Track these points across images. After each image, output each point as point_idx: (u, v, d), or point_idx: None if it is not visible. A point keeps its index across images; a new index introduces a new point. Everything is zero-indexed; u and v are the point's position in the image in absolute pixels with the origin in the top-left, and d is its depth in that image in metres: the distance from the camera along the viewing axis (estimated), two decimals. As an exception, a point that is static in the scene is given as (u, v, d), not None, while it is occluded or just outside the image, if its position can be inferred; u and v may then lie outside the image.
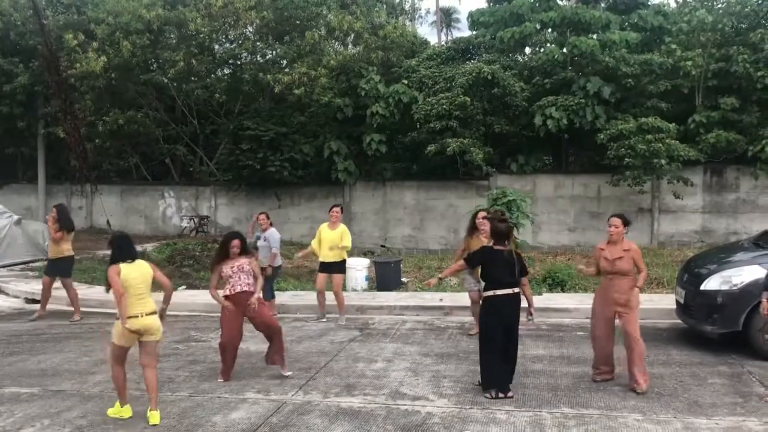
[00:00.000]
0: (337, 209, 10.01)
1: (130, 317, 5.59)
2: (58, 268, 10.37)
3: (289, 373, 6.91)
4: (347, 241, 9.78)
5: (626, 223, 6.77)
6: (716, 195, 17.68)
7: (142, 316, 5.65)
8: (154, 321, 5.76)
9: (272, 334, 6.95)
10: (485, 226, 8.04)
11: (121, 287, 5.59)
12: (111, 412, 5.86)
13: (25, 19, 20.88)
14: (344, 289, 11.90)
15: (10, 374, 7.19)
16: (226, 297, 6.88)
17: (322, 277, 9.80)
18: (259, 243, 9.97)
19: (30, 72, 20.84)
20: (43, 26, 17.89)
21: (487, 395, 6.19)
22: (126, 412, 5.83)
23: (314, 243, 9.92)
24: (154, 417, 5.67)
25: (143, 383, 5.90)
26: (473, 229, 8.73)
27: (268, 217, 10.10)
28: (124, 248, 5.84)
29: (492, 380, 6.24)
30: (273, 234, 9.90)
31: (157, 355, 5.97)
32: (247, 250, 7.11)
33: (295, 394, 6.38)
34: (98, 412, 5.93)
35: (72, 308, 10.38)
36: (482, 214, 8.65)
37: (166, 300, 5.99)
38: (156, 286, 5.96)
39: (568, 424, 5.52)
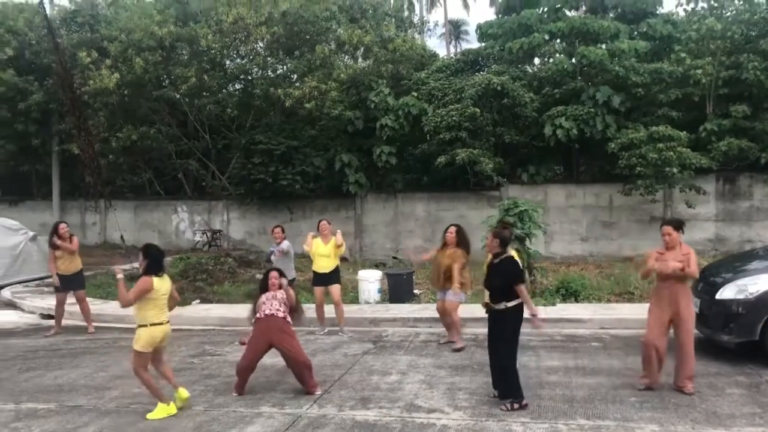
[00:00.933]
0: (325, 222, 10.11)
1: (155, 324, 6.17)
2: (78, 282, 10.52)
3: (318, 391, 6.86)
4: (341, 243, 9.88)
5: (678, 227, 6.79)
6: (729, 203, 17.57)
7: (164, 323, 6.28)
8: (170, 328, 6.44)
9: (300, 371, 6.77)
10: (451, 235, 8.83)
11: (136, 297, 6.09)
12: (153, 415, 6.17)
13: (40, 38, 21.18)
14: (356, 301, 11.98)
15: (27, 390, 7.24)
16: (256, 320, 6.89)
17: (319, 291, 9.93)
18: (273, 257, 10.07)
19: (45, 90, 21.13)
20: (57, 45, 18.10)
21: (518, 402, 6.18)
22: (172, 408, 6.27)
23: (307, 248, 10.02)
24: (184, 392, 6.39)
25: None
26: (444, 243, 8.96)
27: (283, 231, 10.22)
28: (159, 261, 6.36)
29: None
30: (286, 245, 10.11)
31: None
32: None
33: (310, 408, 6.39)
34: (114, 428, 5.97)
35: (85, 323, 10.51)
36: (452, 228, 8.95)
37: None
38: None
39: (584, 436, 5.50)
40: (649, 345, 6.71)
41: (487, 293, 7.83)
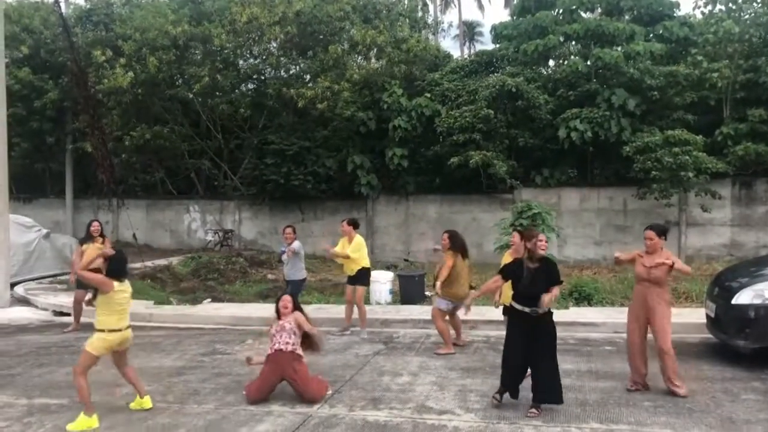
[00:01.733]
0: (344, 222, 10.04)
1: (113, 330, 6.06)
2: None
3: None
4: (351, 250, 9.76)
5: (660, 233, 6.72)
6: (745, 208, 17.39)
7: (122, 330, 6.15)
8: (130, 334, 6.34)
9: (307, 401, 6.52)
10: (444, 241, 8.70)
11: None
12: (74, 426, 5.85)
13: (55, 36, 21.33)
14: (368, 302, 11.94)
15: (39, 385, 7.26)
16: (267, 356, 6.69)
17: (349, 289, 9.95)
18: (284, 257, 10.04)
19: (59, 88, 21.29)
20: (72, 43, 18.21)
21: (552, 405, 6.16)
22: (94, 422, 5.92)
23: (339, 247, 10.02)
24: (148, 401, 6.35)
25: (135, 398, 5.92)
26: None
27: (294, 231, 10.15)
28: (121, 267, 6.26)
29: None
30: (297, 246, 10.01)
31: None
32: (297, 307, 6.99)
33: (320, 408, 6.35)
34: (125, 424, 5.97)
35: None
36: (445, 235, 8.80)
37: None
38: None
39: (598, 440, 5.43)
40: (629, 344, 6.93)
41: (498, 295, 7.82)
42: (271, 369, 6.58)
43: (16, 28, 21.01)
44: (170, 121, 21.42)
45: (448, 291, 8.48)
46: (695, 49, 18.08)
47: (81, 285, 10.51)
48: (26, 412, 6.36)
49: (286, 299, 6.98)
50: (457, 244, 8.71)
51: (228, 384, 7.21)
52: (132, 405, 6.38)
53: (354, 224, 9.99)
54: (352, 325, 9.99)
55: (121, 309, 6.11)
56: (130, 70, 19.27)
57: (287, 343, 6.64)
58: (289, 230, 10.16)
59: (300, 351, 6.72)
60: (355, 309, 9.86)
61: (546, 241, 7.54)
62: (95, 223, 10.59)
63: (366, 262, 9.94)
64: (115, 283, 6.06)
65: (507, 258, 7.74)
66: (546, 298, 6.11)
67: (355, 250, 9.77)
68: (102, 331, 6.03)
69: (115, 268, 6.17)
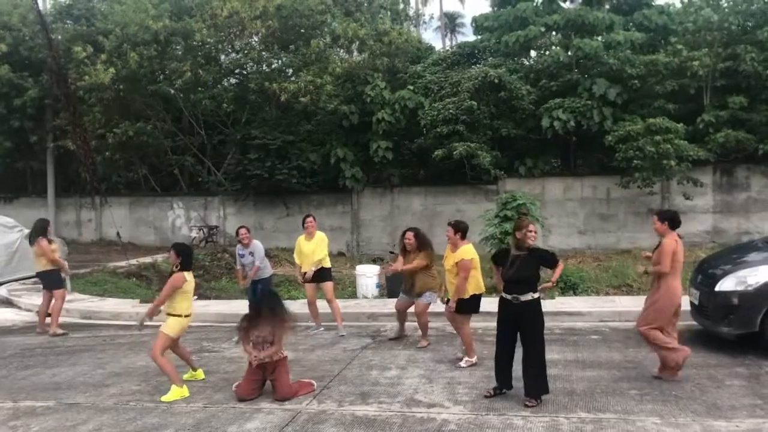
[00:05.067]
0: (311, 218, 9.70)
1: (187, 315, 6.79)
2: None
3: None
4: (321, 252, 9.49)
5: (663, 218, 6.90)
6: (727, 194, 17.58)
7: (191, 315, 6.93)
8: None
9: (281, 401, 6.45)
10: (409, 240, 8.53)
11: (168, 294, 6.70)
12: (167, 397, 6.54)
13: (34, 33, 21.07)
14: (355, 296, 11.95)
15: (24, 388, 7.20)
16: (249, 364, 6.58)
17: (310, 288, 9.55)
18: (244, 260, 9.78)
19: (39, 86, 21.03)
20: (51, 40, 18.00)
21: (539, 400, 6.14)
22: (185, 391, 6.64)
23: (296, 257, 9.75)
24: (200, 373, 7.27)
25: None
26: (403, 249, 8.72)
27: (248, 231, 9.95)
28: (190, 260, 6.94)
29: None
30: (257, 247, 9.73)
31: None
32: (275, 314, 6.64)
33: (309, 404, 6.35)
34: (113, 425, 5.93)
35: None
36: (409, 234, 8.64)
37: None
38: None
39: (585, 429, 5.47)
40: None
41: (442, 289, 7.94)
42: (254, 373, 6.56)
43: (-6, 26, 20.74)
44: (152, 117, 21.25)
45: (429, 284, 8.47)
46: (675, 38, 18.23)
47: (48, 286, 10.34)
48: (12, 415, 6.30)
49: (262, 312, 6.71)
50: (424, 242, 8.55)
51: (216, 382, 7.19)
52: (185, 376, 7.08)
53: (314, 220, 9.76)
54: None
55: (190, 296, 6.87)
56: (111, 66, 19.09)
57: (269, 356, 6.48)
58: (243, 230, 9.84)
59: (280, 355, 6.60)
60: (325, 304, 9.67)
61: (448, 231, 7.70)
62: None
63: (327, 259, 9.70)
64: (186, 274, 6.73)
65: (447, 252, 7.81)
66: (554, 278, 6.61)
67: (322, 246, 9.52)
68: (179, 315, 6.70)
69: (186, 261, 6.79)
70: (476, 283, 7.62)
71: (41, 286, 10.64)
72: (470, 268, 7.48)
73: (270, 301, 6.94)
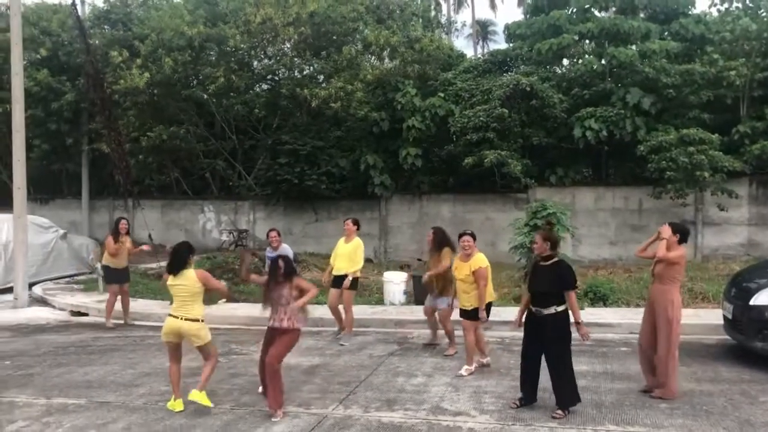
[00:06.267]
0: (349, 221, 9.75)
1: (170, 315, 6.46)
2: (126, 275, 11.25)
3: (276, 419, 6.10)
4: (359, 262, 9.50)
5: (676, 230, 6.72)
6: (763, 207, 17.21)
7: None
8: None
9: (267, 373, 6.30)
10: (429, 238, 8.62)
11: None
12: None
13: (73, 38, 21.53)
14: (382, 303, 11.96)
15: (57, 385, 7.34)
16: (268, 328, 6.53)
17: (334, 294, 9.51)
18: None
19: (76, 90, 21.48)
20: (88, 45, 18.41)
21: (568, 411, 6.07)
22: (178, 404, 6.40)
23: (332, 258, 9.77)
24: (180, 404, 6.44)
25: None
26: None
27: (279, 234, 10.01)
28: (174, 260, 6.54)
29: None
30: (286, 251, 9.69)
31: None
32: (290, 272, 6.50)
33: (335, 409, 6.38)
34: (142, 424, 6.02)
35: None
36: (429, 231, 8.75)
37: None
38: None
39: (614, 443, 5.41)
40: (640, 346, 6.94)
41: (452, 297, 7.93)
42: (269, 338, 6.45)
43: (34, 31, 21.22)
44: (185, 121, 21.54)
45: (449, 289, 8.43)
46: (711, 47, 17.90)
47: (111, 280, 10.80)
48: (45, 411, 6.43)
49: (280, 263, 6.52)
50: (444, 241, 8.57)
51: (244, 385, 7.25)
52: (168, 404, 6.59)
53: (357, 225, 9.81)
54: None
55: (176, 297, 6.54)
56: (146, 71, 19.41)
57: (281, 319, 6.36)
58: (273, 233, 9.90)
59: (293, 323, 6.38)
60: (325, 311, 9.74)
61: (468, 241, 7.58)
62: (123, 221, 11.19)
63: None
64: (170, 276, 6.51)
65: (457, 262, 7.80)
66: (574, 315, 6.16)
67: (359, 254, 9.55)
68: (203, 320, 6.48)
69: (170, 261, 6.54)
70: (489, 291, 7.69)
71: (75, 285, 10.97)
72: (487, 276, 7.49)
73: (288, 263, 6.62)
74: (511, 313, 7.76)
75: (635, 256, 7.49)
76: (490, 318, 7.86)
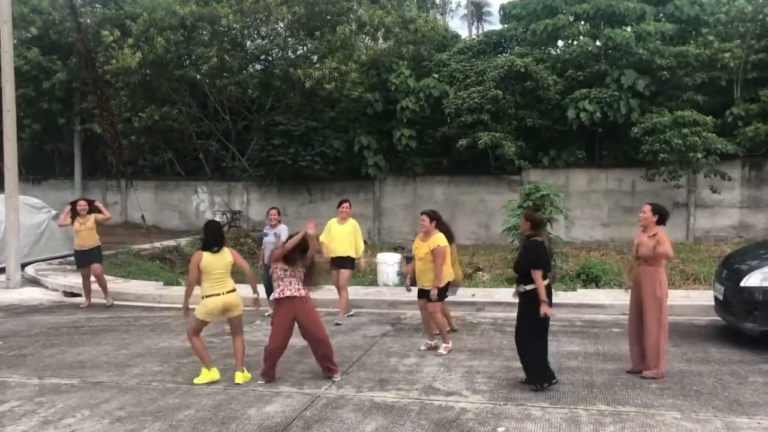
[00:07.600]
0: (347, 204, 9.86)
1: (208, 296, 6.59)
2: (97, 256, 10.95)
3: (338, 378, 6.62)
4: (361, 244, 9.70)
5: (656, 211, 6.73)
6: (755, 189, 17.28)
7: (220, 295, 6.60)
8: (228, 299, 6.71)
9: (317, 347, 6.67)
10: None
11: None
12: (199, 380, 6.60)
13: (64, 17, 21.30)
14: (376, 284, 11.99)
15: (50, 365, 7.34)
16: (277, 300, 6.66)
17: (337, 275, 9.60)
18: (267, 239, 9.75)
19: (68, 69, 21.28)
20: (80, 24, 18.20)
21: (536, 387, 6.19)
22: (214, 374, 6.64)
23: (323, 237, 9.60)
24: (238, 377, 6.66)
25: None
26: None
27: (279, 213, 10.00)
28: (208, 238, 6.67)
29: (549, 372, 6.28)
30: (283, 230, 9.60)
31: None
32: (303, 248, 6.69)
33: (328, 389, 6.40)
34: (136, 404, 6.03)
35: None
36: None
37: None
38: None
39: (604, 422, 5.45)
40: (628, 327, 6.98)
41: (409, 278, 8.00)
42: (285, 312, 6.59)
43: (24, 9, 21.00)
44: (178, 102, 21.41)
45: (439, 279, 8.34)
46: (706, 29, 17.86)
47: (82, 263, 10.71)
48: (37, 391, 6.44)
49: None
50: (442, 227, 8.22)
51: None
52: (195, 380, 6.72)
53: (350, 206, 9.94)
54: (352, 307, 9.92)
55: (211, 276, 6.63)
56: (138, 50, 19.24)
57: (298, 289, 6.58)
58: (273, 212, 9.88)
59: (309, 293, 6.74)
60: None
61: (424, 221, 7.56)
62: (81, 202, 11.14)
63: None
64: (205, 253, 6.59)
65: (417, 242, 7.77)
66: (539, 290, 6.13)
67: (359, 237, 9.73)
68: (203, 296, 6.60)
69: (205, 239, 6.66)
70: (448, 270, 7.67)
71: (68, 266, 10.93)
72: (445, 255, 7.48)
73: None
74: (505, 294, 7.78)
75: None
76: (482, 299, 7.84)
